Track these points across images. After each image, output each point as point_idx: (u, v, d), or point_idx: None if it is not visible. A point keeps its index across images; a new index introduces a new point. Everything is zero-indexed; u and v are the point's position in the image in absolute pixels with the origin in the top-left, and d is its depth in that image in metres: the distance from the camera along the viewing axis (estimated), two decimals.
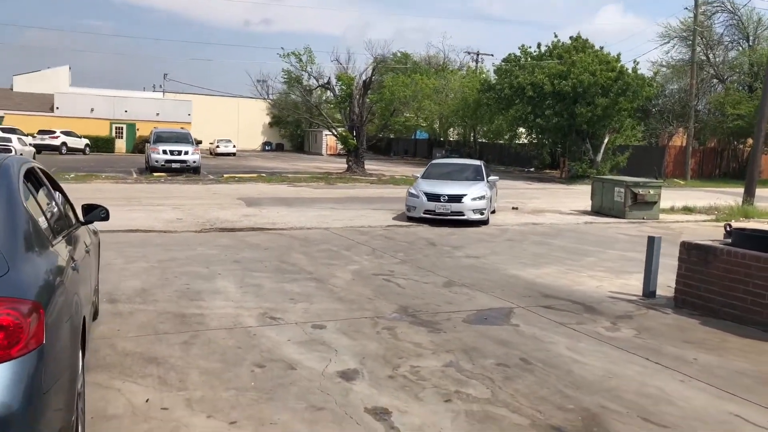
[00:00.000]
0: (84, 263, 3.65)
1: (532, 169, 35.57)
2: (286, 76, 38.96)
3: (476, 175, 12.93)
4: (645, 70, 32.26)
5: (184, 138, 25.12)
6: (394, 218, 12.69)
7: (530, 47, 31.56)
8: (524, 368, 4.35)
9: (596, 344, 4.96)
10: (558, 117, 28.00)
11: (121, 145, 44.44)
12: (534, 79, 28.42)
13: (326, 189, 20.22)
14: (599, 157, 28.19)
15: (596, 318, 5.74)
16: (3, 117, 39.75)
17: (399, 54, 48.25)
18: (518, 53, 31.78)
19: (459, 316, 5.59)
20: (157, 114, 45.74)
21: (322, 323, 5.23)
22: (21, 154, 22.30)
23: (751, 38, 37.48)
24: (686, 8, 37.27)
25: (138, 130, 44.24)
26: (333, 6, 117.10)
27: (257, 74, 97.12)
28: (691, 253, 6.09)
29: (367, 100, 28.65)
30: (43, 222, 3.10)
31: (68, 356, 2.59)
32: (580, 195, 18.71)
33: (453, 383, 4.03)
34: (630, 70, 27.93)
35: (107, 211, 4.36)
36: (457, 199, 11.71)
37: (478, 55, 50.72)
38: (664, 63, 38.21)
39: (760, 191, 16.86)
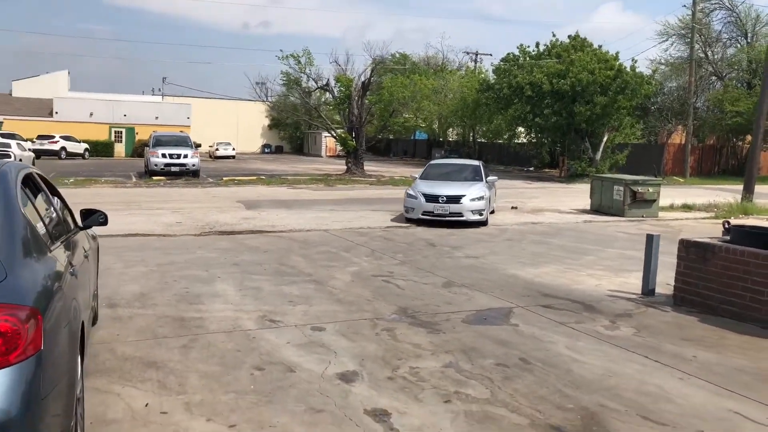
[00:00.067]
0: (83, 268, 3.66)
1: (531, 169, 35.58)
2: (285, 79, 39.05)
3: (475, 176, 12.87)
4: (644, 69, 32.38)
5: (183, 141, 25.14)
6: (393, 219, 12.70)
7: (528, 47, 31.63)
8: (523, 368, 4.36)
9: (595, 343, 4.97)
10: (557, 116, 28.01)
11: (120, 149, 44.48)
12: (532, 78, 28.45)
13: (325, 191, 20.24)
14: (598, 156, 28.20)
15: (595, 317, 5.74)
16: (2, 122, 39.80)
17: (398, 55, 48.33)
18: (517, 53, 31.82)
19: (458, 317, 5.60)
20: (156, 117, 45.78)
21: (322, 325, 5.24)
22: (20, 160, 22.34)
23: (749, 35, 37.52)
24: (684, 6, 37.33)
25: (137, 134, 44.27)
26: (332, 8, 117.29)
27: (256, 77, 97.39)
28: (690, 251, 6.10)
29: (366, 101, 28.68)
30: (41, 228, 3.11)
31: (67, 362, 2.60)
32: (580, 194, 18.71)
33: (452, 384, 4.04)
34: (628, 69, 27.96)
35: (106, 216, 4.37)
36: (455, 199, 11.64)
37: (476, 55, 50.80)
38: (662, 61, 38.30)
39: (759, 188, 16.87)
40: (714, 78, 37.84)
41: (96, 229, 4.72)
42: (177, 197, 16.70)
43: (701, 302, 5.94)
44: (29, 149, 28.74)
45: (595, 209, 14.84)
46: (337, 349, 4.64)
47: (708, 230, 10.95)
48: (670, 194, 17.63)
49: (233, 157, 43.92)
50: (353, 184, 23.03)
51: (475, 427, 3.44)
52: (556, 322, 5.50)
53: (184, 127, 42.80)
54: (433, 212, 11.69)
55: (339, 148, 36.73)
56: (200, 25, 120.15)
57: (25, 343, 2.21)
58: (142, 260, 7.88)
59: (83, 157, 38.56)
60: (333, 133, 30.42)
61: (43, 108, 45.33)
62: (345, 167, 28.52)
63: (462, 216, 11.57)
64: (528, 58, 31.04)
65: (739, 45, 37.84)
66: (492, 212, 13.16)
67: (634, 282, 7.09)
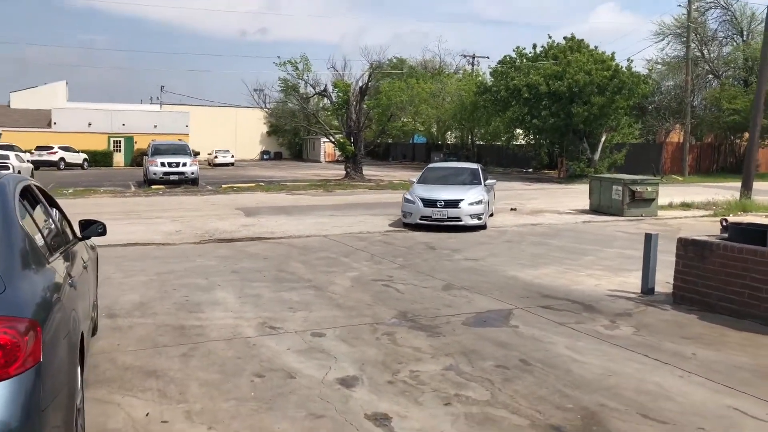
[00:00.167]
0: (82, 279, 3.67)
1: (530, 170, 35.61)
2: (282, 85, 39.08)
3: (473, 179, 12.81)
4: (641, 68, 32.42)
5: (181, 150, 25.19)
6: (392, 223, 12.71)
7: (525, 49, 31.72)
8: (523, 369, 4.37)
9: (595, 343, 4.97)
10: (554, 117, 28.07)
11: (119, 158, 44.54)
12: (529, 80, 28.52)
13: (325, 196, 20.26)
14: (597, 156, 28.24)
15: (595, 317, 5.75)
16: (1, 134, 39.87)
17: (395, 60, 48.46)
18: (514, 55, 31.91)
19: (458, 320, 5.61)
20: (155, 126, 45.85)
21: (322, 331, 5.25)
22: (19, 171, 22.36)
23: (745, 33, 37.61)
24: (680, 5, 37.34)
25: (136, 143, 44.33)
26: (329, 13, 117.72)
27: (254, 84, 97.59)
28: (688, 249, 6.11)
29: (364, 106, 28.74)
30: (39, 239, 3.13)
31: (66, 373, 2.61)
32: (579, 194, 18.73)
33: (452, 386, 4.04)
34: (625, 69, 28.03)
35: (104, 226, 4.39)
36: (453, 204, 11.53)
37: (474, 58, 50.93)
38: (659, 60, 38.36)
39: (757, 185, 16.89)
40: (711, 76, 37.90)
41: (95, 239, 4.74)
42: (176, 206, 16.72)
43: (700, 300, 5.95)
44: (28, 160, 28.80)
45: (594, 209, 14.86)
46: (338, 355, 4.65)
47: (707, 228, 10.95)
48: (668, 193, 17.66)
49: (232, 164, 43.98)
50: (352, 189, 23.06)
51: (476, 429, 3.44)
52: (556, 323, 5.51)
53: (183, 135, 42.88)
54: (431, 217, 11.58)
55: (338, 153, 36.78)
56: (198, 34, 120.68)
57: (25, 355, 2.22)
58: (142, 269, 7.89)
59: (82, 168, 38.63)
60: (331, 138, 30.49)
61: (42, 119, 45.44)
62: (344, 172, 28.56)
63: (460, 220, 11.48)
64: (525, 60, 31.12)
65: (734, 43, 37.93)
66: (491, 215, 13.13)
67: (633, 281, 7.10)
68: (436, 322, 5.54)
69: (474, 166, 14.11)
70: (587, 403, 3.79)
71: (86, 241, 4.53)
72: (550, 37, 30.84)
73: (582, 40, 29.90)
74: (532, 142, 34.56)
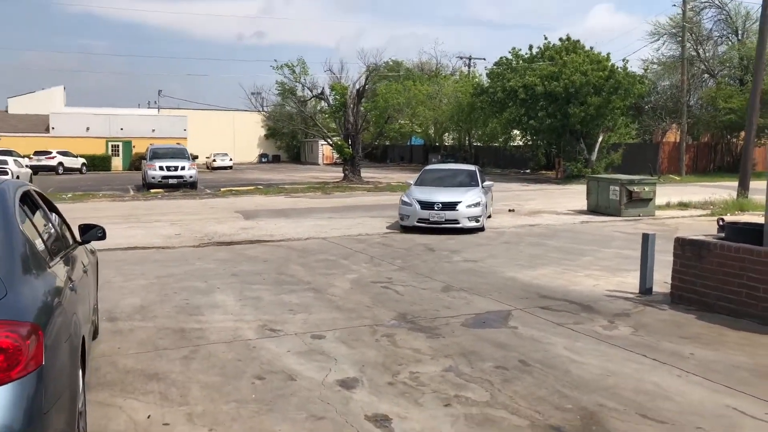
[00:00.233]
0: (82, 283, 3.69)
1: (528, 171, 35.68)
2: (280, 88, 39.19)
3: (471, 181, 12.75)
4: (637, 68, 32.50)
5: (180, 153, 25.21)
6: (391, 225, 12.72)
7: (521, 50, 31.82)
8: (523, 370, 4.39)
9: (594, 343, 5.00)
10: (551, 118, 28.14)
11: (117, 162, 44.52)
12: (526, 81, 28.60)
13: (323, 198, 20.28)
14: (594, 156, 28.32)
15: (593, 317, 5.77)
16: None
17: (391, 62, 48.53)
18: (510, 56, 31.99)
19: (457, 321, 5.63)
20: (153, 130, 45.86)
21: (322, 333, 5.26)
22: (17, 176, 22.37)
23: (740, 32, 37.76)
24: (674, 5, 37.51)
25: (134, 147, 44.33)
26: (325, 17, 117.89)
27: (251, 87, 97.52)
28: (685, 249, 6.14)
29: (362, 108, 28.78)
30: (40, 244, 3.15)
31: (68, 376, 2.63)
32: (576, 195, 18.78)
33: (452, 387, 4.06)
34: (620, 69, 28.13)
35: (104, 231, 4.41)
36: (451, 206, 11.45)
37: (470, 59, 51.02)
38: (655, 60, 38.49)
39: (754, 184, 16.92)
40: (706, 76, 38.05)
41: (95, 243, 4.76)
42: (175, 209, 16.73)
43: (698, 300, 5.98)
44: (26, 165, 28.78)
45: (592, 210, 14.90)
46: (338, 356, 4.66)
47: (704, 228, 10.98)
48: (666, 192, 17.71)
49: (230, 167, 44.00)
50: (351, 192, 23.08)
51: (475, 429, 3.46)
52: (555, 324, 5.53)
53: (181, 139, 42.86)
54: (428, 219, 11.49)
55: (336, 155, 36.82)
56: (195, 38, 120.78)
57: (27, 359, 2.24)
58: (142, 273, 7.90)
59: (81, 172, 38.61)
60: (329, 141, 30.51)
61: (40, 124, 45.41)
62: (342, 175, 28.59)
63: (458, 223, 11.41)
64: (521, 62, 31.21)
65: (730, 42, 38.06)
66: (489, 217, 13.10)
67: (631, 281, 7.12)
68: (436, 323, 5.56)
69: (471, 167, 14.05)
70: (586, 403, 3.81)
71: (86, 245, 4.55)
72: (546, 38, 30.97)
73: (578, 41, 30.04)
74: (530, 143, 34.63)
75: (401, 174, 33.36)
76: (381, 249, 9.87)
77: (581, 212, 15.04)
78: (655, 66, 37.89)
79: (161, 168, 23.60)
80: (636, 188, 14.07)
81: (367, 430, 3.46)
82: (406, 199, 12.05)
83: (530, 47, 31.29)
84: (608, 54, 28.45)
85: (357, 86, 28.30)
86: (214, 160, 43.97)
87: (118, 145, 45.29)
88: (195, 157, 26.97)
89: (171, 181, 23.56)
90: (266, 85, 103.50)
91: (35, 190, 3.81)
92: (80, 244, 4.32)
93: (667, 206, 15.60)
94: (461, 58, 52.04)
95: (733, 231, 5.93)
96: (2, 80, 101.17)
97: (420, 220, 11.57)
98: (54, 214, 4.08)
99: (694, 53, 36.85)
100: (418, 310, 6.04)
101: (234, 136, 57.27)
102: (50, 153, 37.63)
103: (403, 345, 4.95)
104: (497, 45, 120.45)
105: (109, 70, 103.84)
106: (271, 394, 3.96)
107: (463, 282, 7.30)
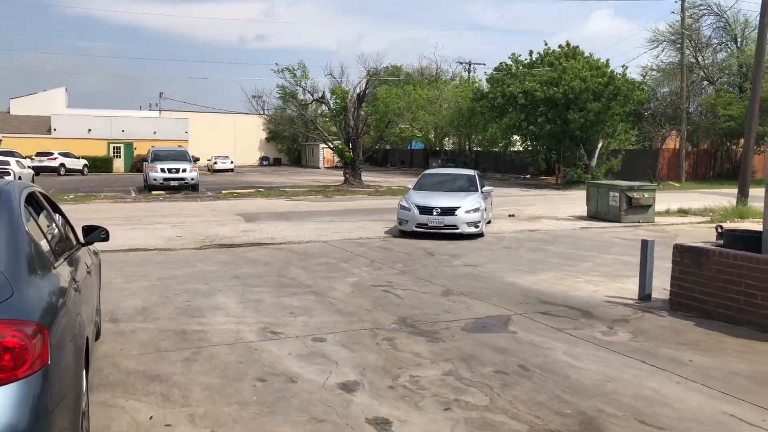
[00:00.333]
0: (86, 284, 3.72)
1: (527, 176, 35.73)
2: (281, 92, 39.23)
3: (470, 186, 12.65)
4: (636, 75, 32.60)
5: (181, 156, 25.27)
6: (391, 229, 12.74)
7: (521, 56, 31.95)
8: (522, 374, 4.41)
9: (593, 349, 5.02)
10: (551, 124, 28.22)
11: (119, 164, 44.59)
12: (525, 86, 28.69)
13: (324, 202, 20.31)
14: (594, 162, 28.38)
15: (593, 323, 5.80)
16: (1, 140, 39.91)
17: (390, 67, 48.62)
18: (509, 62, 32.11)
19: (457, 325, 5.65)
20: (155, 132, 45.94)
21: (322, 336, 5.29)
22: (20, 177, 22.41)
23: (738, 40, 37.89)
24: (673, 12, 37.74)
25: (135, 149, 44.40)
26: (326, 21, 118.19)
27: (252, 90, 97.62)
28: (684, 256, 6.17)
29: (362, 112, 28.88)
30: (45, 245, 3.18)
31: (72, 376, 2.66)
32: (576, 200, 18.81)
33: (452, 391, 4.08)
34: (620, 75, 28.23)
35: (107, 232, 4.44)
36: (450, 211, 11.33)
37: (470, 64, 51.15)
38: (654, 67, 38.61)
39: (754, 191, 16.96)
40: (706, 83, 38.16)
41: (97, 245, 4.78)
42: (176, 211, 16.76)
43: (697, 306, 6.00)
44: (28, 166, 28.84)
45: (592, 215, 14.93)
46: (338, 360, 4.69)
47: (704, 234, 11.02)
48: (666, 199, 17.75)
49: (232, 170, 44.05)
50: (351, 195, 23.12)
51: None
52: (554, 329, 5.56)
53: (182, 141, 42.95)
54: (427, 224, 11.36)
55: (336, 159, 36.92)
56: (196, 41, 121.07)
57: (33, 358, 2.27)
58: (144, 275, 7.93)
59: (82, 173, 38.68)
60: (330, 144, 30.58)
61: (41, 125, 45.48)
62: (343, 178, 28.64)
63: (457, 228, 11.29)
64: (521, 67, 31.32)
65: (729, 50, 38.20)
66: (488, 222, 13.02)
67: (630, 288, 7.15)
68: (436, 327, 5.59)
69: (471, 172, 13.96)
70: (585, 408, 3.84)
71: (89, 246, 4.58)
72: (546, 44, 31.21)
73: (577, 47, 30.15)
74: (530, 148, 34.69)
75: (402, 178, 33.40)
76: (381, 253, 9.90)
77: (581, 218, 15.07)
78: (654, 72, 38.01)
79: (163, 170, 23.66)
80: (635, 194, 14.11)
81: None
82: (404, 203, 11.90)
83: (530, 53, 31.45)
84: (607, 60, 28.59)
85: (357, 90, 28.39)
86: (215, 163, 44.04)
87: (119, 147, 45.36)
88: (196, 160, 27.05)
89: (172, 183, 23.62)
90: (267, 88, 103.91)
91: (40, 192, 3.84)
92: (83, 245, 4.35)
93: (667, 213, 15.63)
94: (461, 63, 52.23)
95: (732, 238, 5.97)
96: (4, 82, 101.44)
97: (418, 225, 11.45)
98: (58, 215, 4.11)
99: (693, 60, 36.98)
100: (419, 314, 6.06)
101: (235, 138, 57.36)
102: (52, 154, 37.72)
103: (403, 349, 4.97)
104: (496, 50, 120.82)
105: (110, 72, 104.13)
106: (272, 396, 3.98)
107: (463, 286, 7.32)
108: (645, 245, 6.75)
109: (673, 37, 36.93)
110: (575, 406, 3.87)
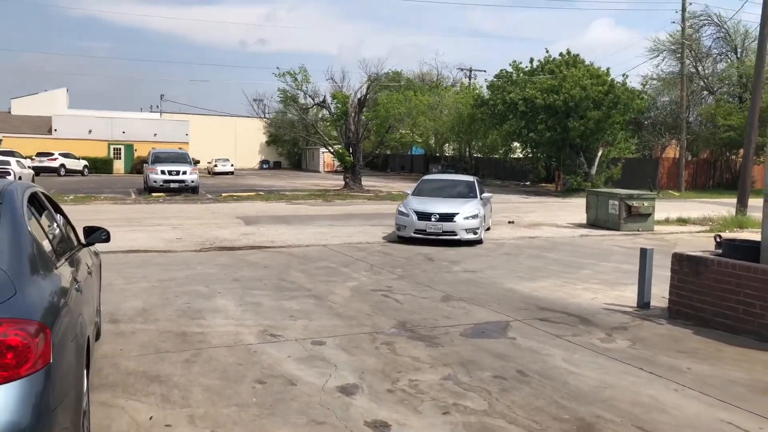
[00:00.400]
0: (87, 284, 3.74)
1: (527, 183, 35.80)
2: (282, 96, 39.36)
3: (469, 192, 12.55)
4: (636, 84, 32.74)
5: (182, 158, 25.30)
6: (391, 234, 12.75)
7: (521, 63, 32.10)
8: (521, 380, 4.42)
9: (591, 355, 5.04)
10: (551, 131, 28.30)
11: (119, 166, 44.62)
12: (526, 94, 28.80)
13: (324, 206, 20.34)
14: (594, 170, 28.44)
15: (591, 330, 5.82)
16: (1, 140, 39.94)
17: (391, 72, 48.79)
18: (510, 69, 32.25)
19: (456, 330, 5.67)
20: (155, 134, 45.98)
21: (322, 339, 5.30)
22: (20, 177, 22.43)
23: (738, 50, 38.09)
24: (674, 22, 37.90)
25: (136, 150, 44.42)
26: (327, 26, 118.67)
27: (253, 94, 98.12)
28: (683, 264, 6.20)
29: (363, 117, 28.95)
30: (47, 245, 3.20)
31: (74, 375, 2.67)
32: (576, 208, 18.85)
33: (451, 396, 4.10)
34: (620, 84, 28.36)
35: (108, 233, 4.46)
36: (449, 218, 11.24)
37: (471, 71, 51.36)
38: (654, 76, 38.77)
39: (753, 201, 17.01)
40: (706, 92, 38.31)
41: (98, 246, 4.80)
42: (176, 213, 16.78)
43: (695, 315, 6.02)
44: (29, 167, 28.85)
45: (591, 223, 14.96)
46: (338, 363, 4.70)
47: (703, 244, 11.05)
48: (665, 208, 17.79)
49: (232, 173, 44.08)
50: (351, 200, 23.15)
51: None
52: (553, 335, 5.57)
53: (183, 143, 43.01)
54: (425, 230, 11.25)
55: (337, 163, 36.91)
56: (197, 44, 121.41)
57: (35, 356, 2.28)
58: (144, 276, 7.94)
59: (82, 174, 38.68)
60: (330, 148, 30.64)
61: (42, 126, 45.53)
62: (343, 183, 28.68)
63: (456, 235, 11.21)
64: (521, 74, 31.45)
65: (729, 60, 38.39)
66: (488, 229, 12.94)
67: (629, 295, 7.17)
68: (435, 332, 5.60)
69: (470, 178, 13.88)
70: (583, 414, 3.85)
71: (90, 247, 4.60)
72: (547, 52, 31.23)
73: (577, 55, 30.28)
74: (530, 155, 34.78)
75: (402, 183, 33.45)
76: (381, 257, 9.91)
77: (580, 225, 15.10)
78: (654, 82, 38.17)
79: (163, 172, 23.69)
80: (635, 203, 14.15)
81: None
82: (403, 209, 11.78)
83: (531, 60, 31.57)
84: (608, 69, 28.71)
85: (358, 95, 28.48)
86: (216, 166, 44.07)
87: (119, 149, 45.39)
88: (196, 162, 27.07)
89: (173, 185, 23.64)
90: (268, 92, 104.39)
91: (42, 192, 3.86)
92: (85, 246, 4.37)
93: (666, 221, 15.67)
94: (462, 69, 52.49)
95: (731, 248, 5.99)
96: (5, 82, 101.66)
97: (417, 231, 11.36)
98: (59, 215, 4.13)
99: (693, 70, 37.14)
100: (418, 319, 6.08)
101: (236, 141, 57.44)
102: (52, 155, 37.73)
103: (402, 353, 4.99)
104: (497, 57, 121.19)
105: (111, 73, 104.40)
106: (271, 398, 3.99)
107: (463, 292, 7.34)
108: (644, 253, 6.78)
109: (673, 47, 37.11)
110: (573, 411, 3.88)
